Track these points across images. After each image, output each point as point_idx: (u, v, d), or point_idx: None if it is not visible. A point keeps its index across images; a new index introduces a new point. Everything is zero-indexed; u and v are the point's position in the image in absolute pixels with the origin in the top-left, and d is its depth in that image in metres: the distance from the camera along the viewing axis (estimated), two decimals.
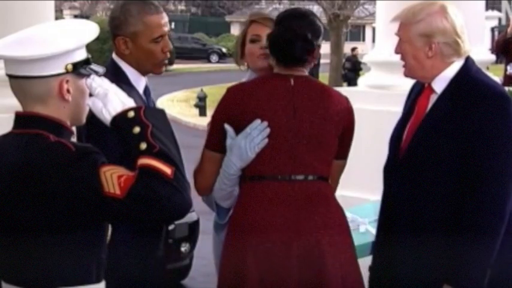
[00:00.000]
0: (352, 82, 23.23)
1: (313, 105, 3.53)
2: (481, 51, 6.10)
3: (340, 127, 3.58)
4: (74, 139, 2.63)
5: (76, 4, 56.94)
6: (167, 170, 2.42)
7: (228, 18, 57.03)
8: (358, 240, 3.74)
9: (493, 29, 32.96)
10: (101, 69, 2.64)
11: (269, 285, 3.43)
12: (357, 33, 51.23)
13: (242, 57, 3.92)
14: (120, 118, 2.51)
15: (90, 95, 2.59)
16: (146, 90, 3.59)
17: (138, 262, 3.38)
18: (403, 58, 3.47)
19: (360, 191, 5.40)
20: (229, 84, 3.75)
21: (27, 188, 2.46)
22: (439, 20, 3.38)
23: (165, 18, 3.55)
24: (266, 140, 3.48)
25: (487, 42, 12.04)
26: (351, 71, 25.86)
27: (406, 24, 3.43)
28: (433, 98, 3.44)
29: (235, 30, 50.73)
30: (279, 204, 3.48)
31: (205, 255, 6.31)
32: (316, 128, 3.52)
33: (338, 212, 3.58)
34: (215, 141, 3.57)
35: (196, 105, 21.99)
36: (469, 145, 3.28)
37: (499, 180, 3.26)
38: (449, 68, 3.41)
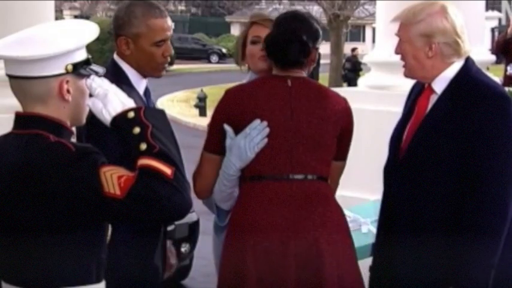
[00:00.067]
0: (352, 82, 23.24)
1: (310, 105, 3.54)
2: (481, 52, 6.10)
3: (338, 127, 3.58)
4: (74, 139, 2.63)
5: (76, 4, 56.95)
6: (167, 170, 2.43)
7: (228, 19, 57.03)
8: (359, 241, 3.74)
9: (493, 30, 32.92)
10: (101, 69, 2.64)
11: (268, 285, 3.43)
12: (357, 34, 51.23)
13: (243, 59, 3.92)
14: (120, 118, 2.51)
15: (90, 95, 2.59)
16: (146, 91, 3.58)
17: (138, 262, 3.38)
18: (403, 58, 3.46)
19: (360, 191, 5.39)
20: (230, 85, 3.75)
21: (27, 188, 2.46)
22: (439, 20, 3.38)
23: (169, 23, 3.52)
24: (265, 140, 3.48)
25: (487, 43, 12.02)
26: (351, 71, 25.87)
27: (406, 25, 3.43)
28: (433, 99, 3.44)
29: (236, 31, 50.75)
30: (279, 204, 3.48)
31: (205, 256, 6.31)
32: (314, 128, 3.52)
33: (337, 211, 3.58)
34: (214, 142, 3.57)
35: (196, 106, 22.01)
36: (469, 145, 3.27)
37: (499, 180, 3.26)
38: (449, 68, 3.41)
